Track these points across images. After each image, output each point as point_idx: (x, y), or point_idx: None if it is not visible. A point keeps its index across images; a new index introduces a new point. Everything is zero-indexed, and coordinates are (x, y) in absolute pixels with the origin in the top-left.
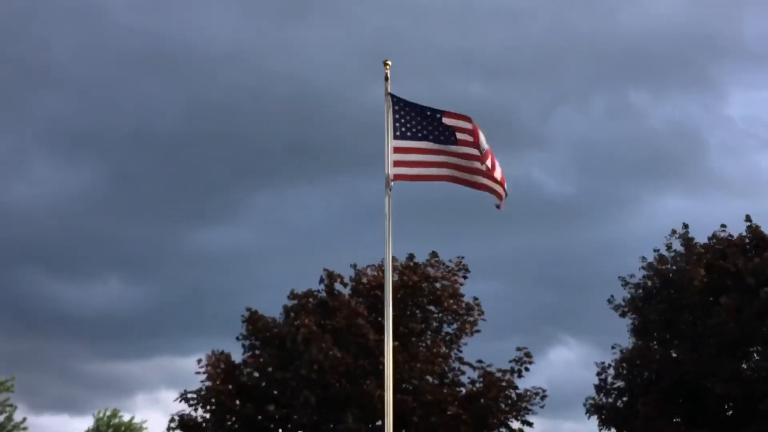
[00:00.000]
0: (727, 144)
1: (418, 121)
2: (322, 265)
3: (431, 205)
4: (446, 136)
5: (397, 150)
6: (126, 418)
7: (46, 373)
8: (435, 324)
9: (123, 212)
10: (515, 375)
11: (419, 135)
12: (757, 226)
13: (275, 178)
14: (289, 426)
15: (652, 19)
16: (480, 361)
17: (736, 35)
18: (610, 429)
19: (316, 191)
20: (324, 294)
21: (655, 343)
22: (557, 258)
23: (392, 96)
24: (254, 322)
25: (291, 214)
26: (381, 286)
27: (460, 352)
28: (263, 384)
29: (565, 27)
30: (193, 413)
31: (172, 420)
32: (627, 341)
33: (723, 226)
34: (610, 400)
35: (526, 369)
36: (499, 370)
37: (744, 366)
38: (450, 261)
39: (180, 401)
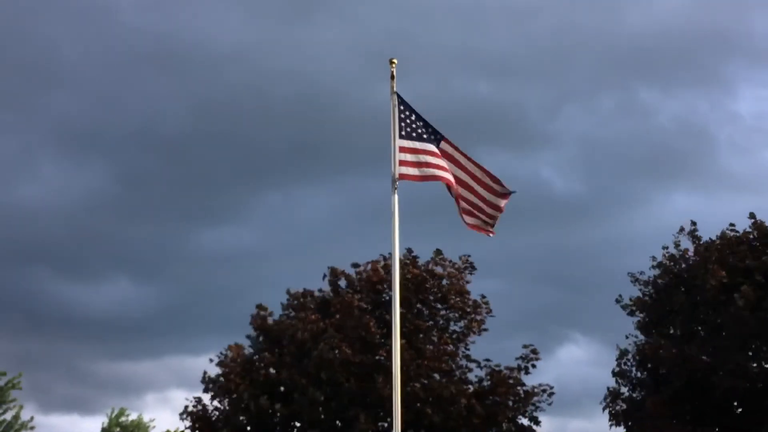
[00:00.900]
0: (735, 141)
1: (423, 122)
2: (328, 264)
3: (437, 203)
4: (434, 137)
5: (402, 149)
6: (134, 417)
7: (55, 373)
8: (442, 322)
9: (130, 212)
10: (522, 372)
11: (424, 137)
12: (762, 222)
13: (281, 178)
14: (298, 424)
15: (660, 16)
16: (488, 360)
17: (744, 32)
18: (619, 425)
19: (321, 190)
20: (324, 292)
21: (664, 341)
22: (565, 256)
23: (398, 95)
24: (263, 319)
25: (297, 213)
26: (382, 282)
27: (468, 350)
28: (275, 381)
29: (572, 25)
30: (207, 403)
31: (184, 412)
32: (636, 340)
33: (732, 225)
34: (628, 390)
35: (533, 366)
36: (507, 368)
37: (754, 364)
38: (457, 259)
39: (203, 381)
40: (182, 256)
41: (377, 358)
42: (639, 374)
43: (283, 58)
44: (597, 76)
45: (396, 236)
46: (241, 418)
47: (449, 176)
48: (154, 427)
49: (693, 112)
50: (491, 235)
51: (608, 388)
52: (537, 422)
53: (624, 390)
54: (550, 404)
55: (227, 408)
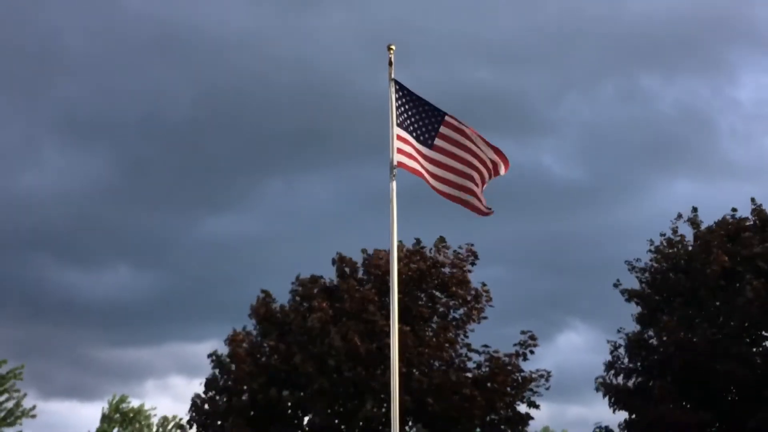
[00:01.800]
0: (736, 128)
1: (410, 115)
2: (331, 251)
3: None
4: (425, 137)
5: (399, 138)
6: (136, 404)
7: (56, 360)
8: (442, 309)
9: (132, 199)
10: (520, 358)
11: (410, 129)
12: (762, 209)
13: (284, 165)
14: (301, 413)
15: (662, 2)
16: (486, 346)
17: (746, 18)
18: (621, 410)
19: (325, 178)
20: (330, 279)
21: (663, 324)
22: (566, 243)
23: (396, 82)
24: (267, 305)
25: (300, 200)
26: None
27: (467, 337)
28: (280, 368)
29: (575, 12)
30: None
31: (193, 405)
32: (633, 326)
33: (734, 209)
34: (620, 380)
35: (531, 352)
36: (505, 355)
37: (754, 350)
38: (460, 248)
39: (211, 361)
40: (184, 244)
41: (384, 346)
42: (632, 364)
43: (288, 46)
44: (599, 62)
45: (394, 223)
46: (243, 397)
47: (423, 171)
48: (154, 415)
49: (695, 99)
50: (490, 214)
51: (597, 378)
52: (536, 406)
53: (615, 380)
54: (547, 389)
55: (231, 387)
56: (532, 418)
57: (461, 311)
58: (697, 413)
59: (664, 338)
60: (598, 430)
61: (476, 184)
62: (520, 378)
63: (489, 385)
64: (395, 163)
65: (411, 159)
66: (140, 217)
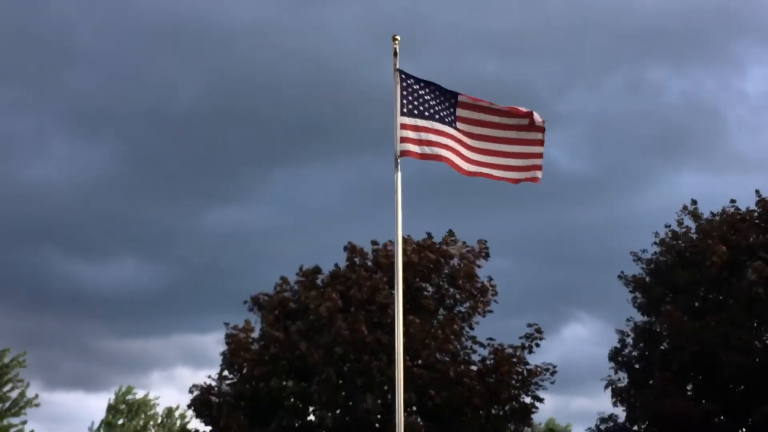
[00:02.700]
0: (744, 120)
1: (426, 99)
2: (338, 243)
3: (446, 183)
4: (450, 119)
5: (404, 126)
6: (141, 395)
7: (62, 351)
8: (448, 302)
9: (139, 191)
10: (526, 351)
11: (426, 114)
12: (767, 200)
13: (291, 157)
14: (305, 403)
15: None
16: (491, 339)
17: (754, 11)
18: (623, 405)
19: (331, 169)
20: (339, 268)
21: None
22: (572, 235)
23: (401, 72)
24: (279, 293)
25: (306, 192)
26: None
27: (472, 329)
28: (286, 357)
29: (581, 3)
30: (214, 384)
31: (194, 401)
32: (638, 317)
33: (733, 201)
34: (624, 373)
35: (537, 345)
36: (510, 347)
37: (757, 343)
38: (468, 240)
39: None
40: (191, 235)
41: (391, 338)
42: (637, 354)
43: (296, 38)
44: (606, 55)
45: (399, 213)
46: (247, 386)
47: (452, 156)
48: (158, 405)
49: (702, 91)
50: (537, 182)
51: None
52: (540, 400)
53: (621, 375)
54: (552, 383)
55: (232, 392)
56: (536, 409)
57: (467, 304)
58: (701, 404)
59: (665, 331)
60: (601, 420)
61: (505, 156)
62: (525, 371)
63: (493, 377)
64: (399, 152)
65: (419, 144)
66: (147, 209)
